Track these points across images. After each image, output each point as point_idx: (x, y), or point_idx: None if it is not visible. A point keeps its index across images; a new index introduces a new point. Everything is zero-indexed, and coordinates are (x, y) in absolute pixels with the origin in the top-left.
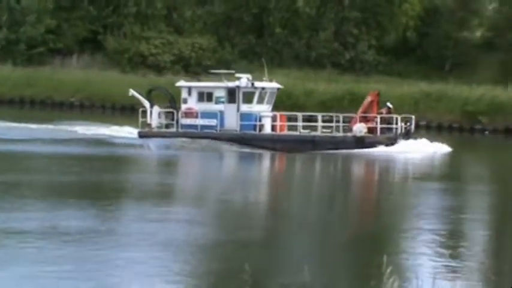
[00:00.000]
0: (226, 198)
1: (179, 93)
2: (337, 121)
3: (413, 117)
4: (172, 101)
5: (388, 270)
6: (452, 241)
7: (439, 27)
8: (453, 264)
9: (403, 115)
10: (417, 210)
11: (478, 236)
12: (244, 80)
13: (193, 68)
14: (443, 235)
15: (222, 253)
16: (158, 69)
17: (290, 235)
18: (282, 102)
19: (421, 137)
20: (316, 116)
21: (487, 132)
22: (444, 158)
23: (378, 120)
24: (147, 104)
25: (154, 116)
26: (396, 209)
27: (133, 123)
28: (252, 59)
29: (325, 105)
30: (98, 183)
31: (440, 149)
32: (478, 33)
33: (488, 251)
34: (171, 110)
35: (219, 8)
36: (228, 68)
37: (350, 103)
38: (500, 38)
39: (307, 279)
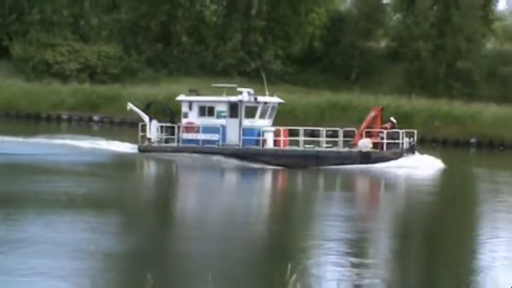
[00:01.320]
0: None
1: (176, 107)
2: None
3: (415, 131)
4: (171, 115)
5: (292, 279)
6: (359, 250)
7: (344, 37)
8: (357, 272)
9: (406, 130)
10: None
11: (384, 245)
12: (246, 94)
13: (99, 76)
14: (351, 244)
15: (126, 263)
16: (63, 77)
17: (198, 245)
18: None
19: (424, 153)
20: (318, 130)
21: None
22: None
23: (384, 135)
24: (146, 118)
25: (153, 130)
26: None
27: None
28: (159, 67)
29: None
30: None
31: (438, 164)
32: (383, 44)
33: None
34: (171, 124)
35: (126, 15)
36: (135, 76)
37: None
38: (404, 48)
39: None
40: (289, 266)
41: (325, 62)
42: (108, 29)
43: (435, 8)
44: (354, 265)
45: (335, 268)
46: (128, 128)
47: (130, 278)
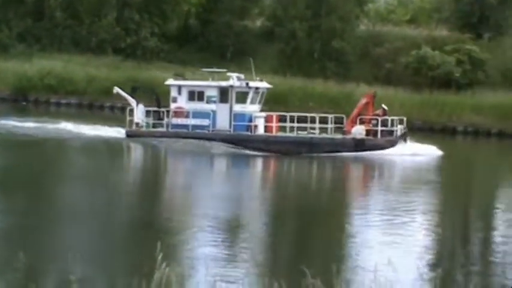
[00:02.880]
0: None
1: (164, 92)
2: (330, 122)
3: (405, 118)
4: (157, 99)
5: (160, 257)
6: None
7: (220, 15)
8: (228, 252)
9: (396, 117)
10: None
11: (257, 226)
12: (236, 79)
13: None
14: (227, 224)
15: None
16: None
17: (69, 224)
18: (64, 88)
19: (414, 140)
20: (307, 116)
21: None
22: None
23: (379, 122)
24: (133, 102)
25: (140, 114)
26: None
27: None
28: (31, 43)
29: (108, 92)
30: None
31: (433, 152)
32: (259, 23)
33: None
34: (160, 109)
35: None
36: (6, 52)
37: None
38: (280, 27)
39: (69, 265)
40: (159, 243)
41: (201, 40)
42: None
43: None
44: (227, 243)
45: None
46: None
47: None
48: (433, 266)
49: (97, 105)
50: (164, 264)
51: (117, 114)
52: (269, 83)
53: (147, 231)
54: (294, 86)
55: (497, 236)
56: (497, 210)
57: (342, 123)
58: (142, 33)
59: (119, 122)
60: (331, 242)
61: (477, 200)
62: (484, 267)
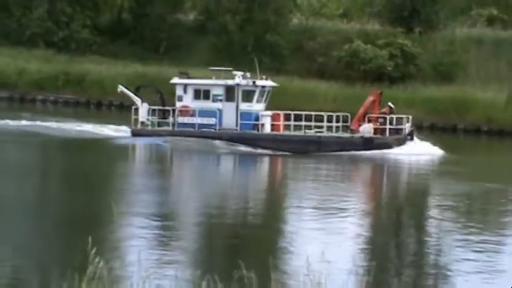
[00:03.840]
0: None
1: (167, 90)
2: (337, 120)
3: (410, 117)
4: (162, 98)
5: (93, 251)
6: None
7: (153, 9)
8: (164, 248)
9: (400, 115)
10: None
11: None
12: (241, 77)
13: None
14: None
15: None
16: None
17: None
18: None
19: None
20: (311, 115)
21: None
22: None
23: (387, 120)
24: (138, 101)
25: (144, 113)
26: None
27: None
28: None
29: (40, 85)
30: None
31: (438, 151)
32: (192, 16)
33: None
34: (167, 107)
35: None
36: None
37: (64, 83)
38: (212, 21)
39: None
40: (90, 238)
41: (133, 33)
42: None
43: None
44: (165, 239)
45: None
46: None
47: None
48: (368, 258)
49: (28, 98)
50: (97, 259)
51: (50, 107)
52: (200, 76)
53: (87, 226)
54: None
55: (432, 229)
56: (430, 207)
57: (346, 122)
58: (74, 26)
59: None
60: (270, 237)
61: (414, 196)
62: (418, 260)
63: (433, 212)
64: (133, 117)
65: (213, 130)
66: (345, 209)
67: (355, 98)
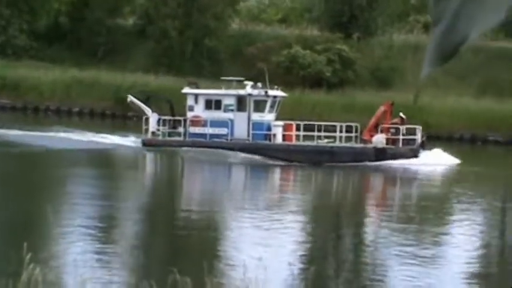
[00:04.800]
0: None
1: (177, 100)
2: (347, 131)
3: (420, 127)
4: (171, 108)
5: (28, 257)
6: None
7: (91, 13)
8: (101, 253)
9: (411, 126)
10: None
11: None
12: (251, 87)
13: None
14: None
15: None
16: None
17: None
18: None
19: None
20: (321, 125)
21: (135, 118)
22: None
23: (400, 131)
24: (148, 111)
25: (153, 123)
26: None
27: None
28: None
29: None
30: None
31: (450, 160)
32: (131, 21)
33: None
34: (177, 117)
35: None
36: None
37: (1, 88)
38: (152, 26)
39: None
40: (25, 244)
41: (71, 38)
42: None
43: None
44: (103, 244)
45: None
46: None
47: None
48: (306, 263)
49: None
50: (32, 265)
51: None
52: (141, 81)
53: (24, 232)
54: (165, 84)
55: (370, 234)
56: (369, 209)
57: (354, 132)
58: (11, 30)
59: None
60: (207, 242)
61: (352, 201)
62: (356, 266)
63: (375, 216)
64: (143, 127)
65: (224, 140)
66: (292, 215)
67: (295, 103)
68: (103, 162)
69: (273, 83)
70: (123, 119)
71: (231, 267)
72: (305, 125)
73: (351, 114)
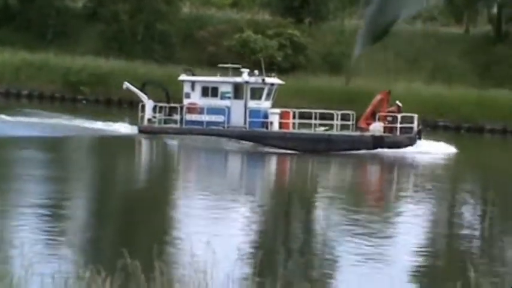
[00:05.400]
0: None
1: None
2: (349, 119)
3: (416, 116)
4: (167, 95)
5: None
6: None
7: None
8: (49, 237)
9: (406, 114)
10: None
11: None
12: (248, 75)
13: None
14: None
15: None
16: None
17: None
18: None
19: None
20: (313, 113)
21: (84, 101)
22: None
23: (398, 119)
24: (145, 98)
25: (148, 110)
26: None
27: None
28: None
29: None
30: None
31: (446, 149)
32: (80, 3)
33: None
34: (173, 105)
35: None
36: None
37: None
38: (102, 8)
39: None
40: None
41: (20, 20)
42: None
43: None
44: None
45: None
46: None
47: None
48: (255, 246)
49: None
50: None
51: None
52: (91, 65)
53: None
54: (115, 68)
55: (320, 216)
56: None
57: (349, 120)
58: None
59: None
60: (156, 226)
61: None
62: (306, 248)
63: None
64: (140, 114)
65: (221, 128)
66: (242, 200)
67: None
68: (96, 148)
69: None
70: (73, 102)
71: (182, 251)
72: (300, 112)
73: (304, 100)
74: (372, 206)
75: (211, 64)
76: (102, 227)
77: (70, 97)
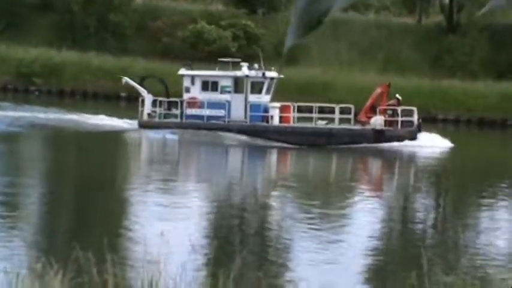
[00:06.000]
0: None
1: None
2: (348, 113)
3: (415, 109)
4: (166, 89)
5: None
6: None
7: None
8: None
9: (406, 107)
10: None
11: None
12: (247, 68)
13: None
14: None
15: None
16: None
17: None
18: None
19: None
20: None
21: (37, 93)
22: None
23: (399, 112)
24: (144, 92)
25: (148, 104)
26: None
27: None
28: None
29: None
30: None
31: (444, 143)
32: None
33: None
34: (173, 99)
35: None
36: None
37: None
38: None
39: None
40: None
41: None
42: None
43: None
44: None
45: None
46: None
47: None
48: (208, 238)
49: None
50: None
51: None
52: (44, 56)
53: None
54: (68, 59)
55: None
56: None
57: (349, 114)
58: None
59: None
60: (108, 217)
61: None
62: (261, 239)
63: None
64: (140, 109)
65: (222, 122)
66: (196, 190)
67: None
68: (94, 143)
69: (178, 58)
70: (25, 93)
71: (134, 242)
72: (299, 106)
73: None
74: (348, 199)
75: (165, 55)
76: (56, 219)
77: (23, 88)
